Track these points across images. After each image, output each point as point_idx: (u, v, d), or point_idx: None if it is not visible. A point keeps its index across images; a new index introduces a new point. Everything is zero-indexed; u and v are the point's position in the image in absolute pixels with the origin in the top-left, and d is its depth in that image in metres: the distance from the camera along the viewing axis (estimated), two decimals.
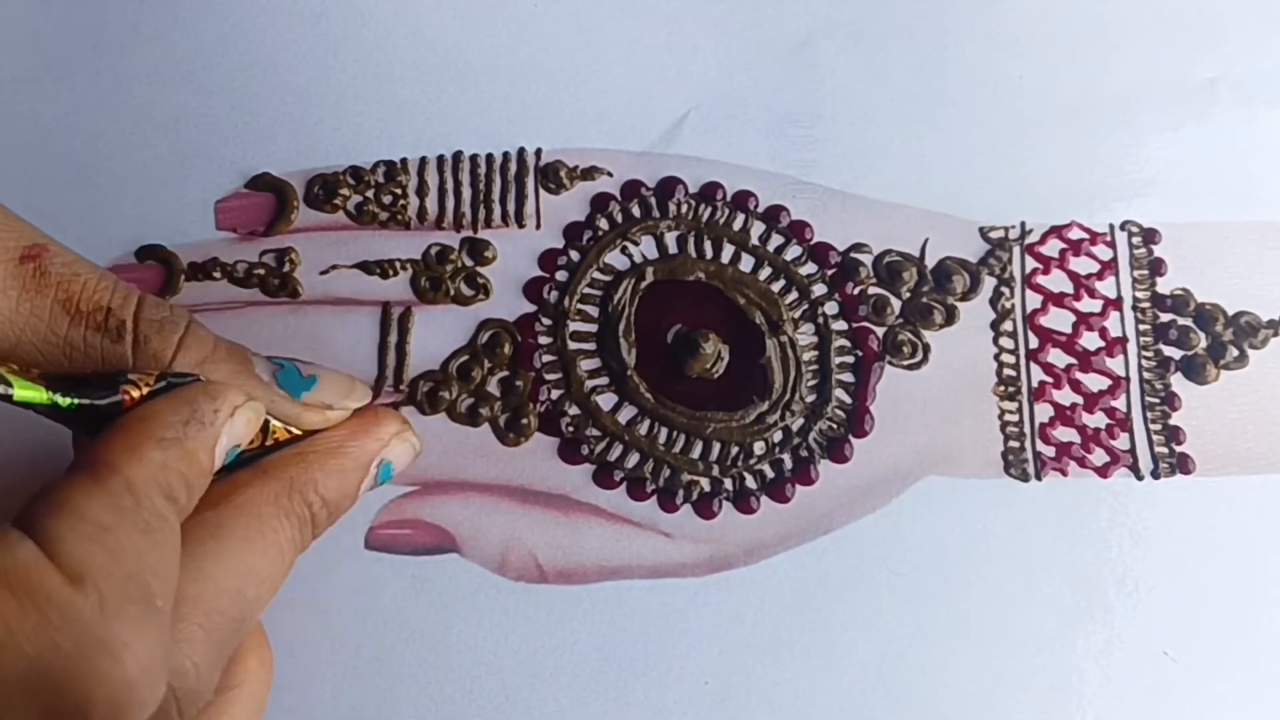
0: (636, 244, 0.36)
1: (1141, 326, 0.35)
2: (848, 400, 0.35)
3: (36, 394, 0.23)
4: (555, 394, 0.34)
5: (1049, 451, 0.34)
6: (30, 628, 0.20)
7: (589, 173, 0.36)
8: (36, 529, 0.21)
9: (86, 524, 0.21)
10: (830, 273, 0.35)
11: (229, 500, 0.25)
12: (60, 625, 0.20)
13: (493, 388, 0.34)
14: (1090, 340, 0.35)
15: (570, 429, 0.34)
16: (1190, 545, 0.34)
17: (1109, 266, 0.36)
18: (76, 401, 0.24)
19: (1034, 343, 0.35)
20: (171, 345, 0.26)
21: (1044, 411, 0.35)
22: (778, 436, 0.34)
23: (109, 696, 0.20)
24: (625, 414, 0.34)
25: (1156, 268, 0.36)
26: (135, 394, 0.24)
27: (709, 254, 0.36)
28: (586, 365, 0.35)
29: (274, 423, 0.27)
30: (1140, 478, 0.34)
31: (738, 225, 0.36)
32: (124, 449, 0.23)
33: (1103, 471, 0.34)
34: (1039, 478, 0.34)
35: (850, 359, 0.35)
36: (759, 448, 0.34)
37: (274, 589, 0.26)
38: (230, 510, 0.25)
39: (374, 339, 0.34)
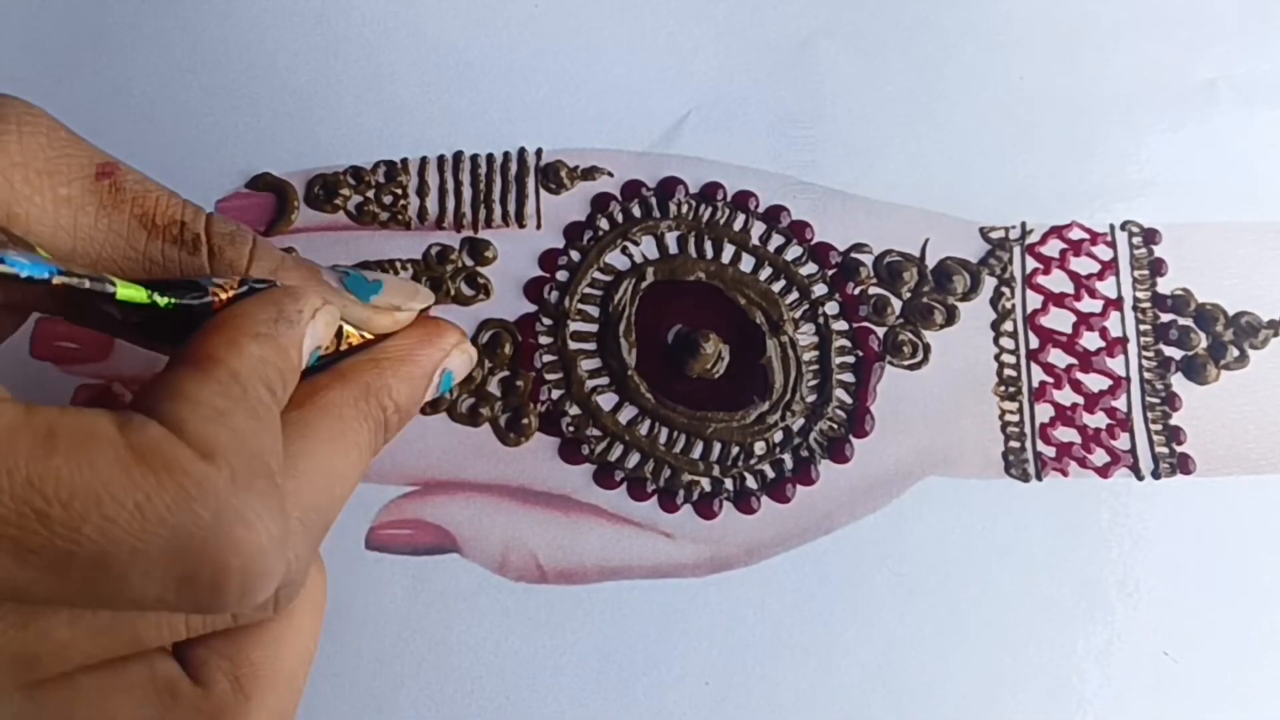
0: (637, 244, 0.36)
1: (1142, 327, 0.35)
2: (848, 400, 0.35)
3: (137, 293, 0.24)
4: (556, 394, 0.34)
5: (1049, 452, 0.34)
6: (170, 499, 0.20)
7: (589, 173, 0.36)
8: (158, 412, 0.21)
9: (205, 407, 0.22)
10: (831, 273, 0.35)
11: (313, 401, 0.26)
12: (199, 496, 0.20)
13: (493, 388, 0.34)
14: (1091, 340, 0.35)
15: (571, 429, 0.34)
16: (1191, 545, 0.34)
17: (1109, 267, 0.36)
18: (174, 301, 0.24)
19: (1034, 343, 0.35)
20: (245, 255, 0.27)
21: (1044, 412, 0.35)
22: (778, 436, 0.34)
23: (243, 566, 0.21)
24: (626, 414, 0.34)
25: (1157, 268, 0.36)
26: (223, 295, 0.25)
27: (709, 254, 0.36)
28: (587, 365, 0.35)
29: (346, 328, 0.28)
30: (1141, 478, 0.34)
31: (738, 225, 0.36)
32: (225, 343, 0.23)
33: (1103, 472, 0.34)
34: (1039, 478, 0.34)
35: (851, 359, 0.35)
36: (759, 448, 0.34)
37: (353, 488, 0.26)
38: (315, 411, 0.26)
39: None
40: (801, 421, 0.34)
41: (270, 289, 0.26)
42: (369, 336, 0.29)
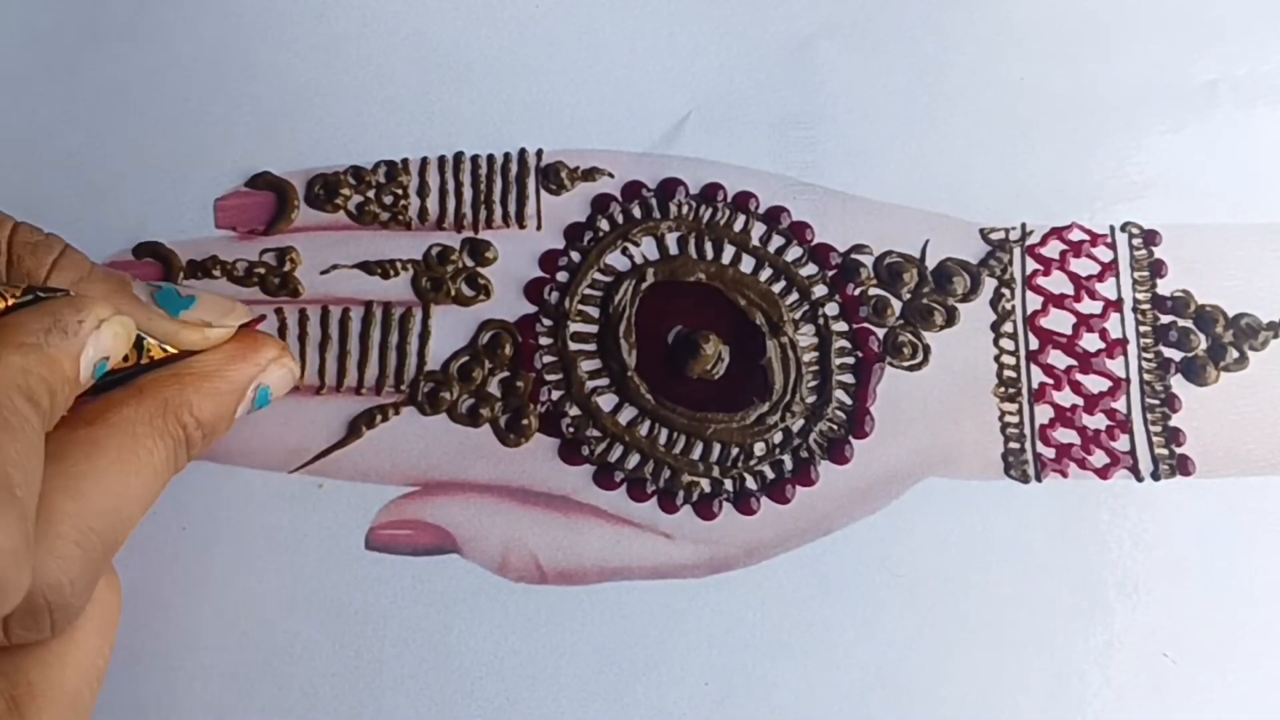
0: (637, 245, 0.36)
1: (1142, 328, 0.35)
2: (848, 401, 0.35)
3: None
4: (556, 395, 0.34)
5: (1049, 453, 0.34)
6: None
7: (590, 174, 0.36)
8: None
9: None
10: (831, 274, 0.35)
11: (104, 418, 0.26)
12: None
13: (493, 388, 0.34)
14: (1090, 342, 0.35)
15: (571, 430, 0.34)
16: (1190, 547, 0.34)
17: (1109, 268, 0.36)
18: None
19: (1034, 344, 0.35)
20: (45, 265, 0.26)
21: (1044, 413, 0.35)
22: (778, 437, 0.34)
23: None
24: (626, 415, 0.34)
25: (1157, 269, 0.36)
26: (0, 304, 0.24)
27: (710, 255, 0.36)
28: (587, 366, 0.35)
29: (149, 341, 0.27)
30: (1140, 479, 0.34)
31: (738, 226, 0.36)
32: None
33: (1103, 473, 0.34)
34: (1039, 479, 0.34)
35: (851, 360, 0.35)
36: (759, 449, 0.34)
37: (145, 508, 0.26)
38: (105, 429, 0.25)
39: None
40: (801, 422, 0.34)
41: (56, 298, 0.25)
42: (173, 351, 0.28)
